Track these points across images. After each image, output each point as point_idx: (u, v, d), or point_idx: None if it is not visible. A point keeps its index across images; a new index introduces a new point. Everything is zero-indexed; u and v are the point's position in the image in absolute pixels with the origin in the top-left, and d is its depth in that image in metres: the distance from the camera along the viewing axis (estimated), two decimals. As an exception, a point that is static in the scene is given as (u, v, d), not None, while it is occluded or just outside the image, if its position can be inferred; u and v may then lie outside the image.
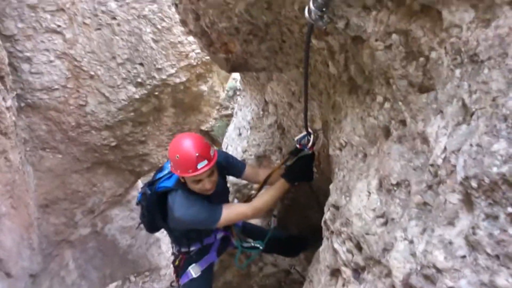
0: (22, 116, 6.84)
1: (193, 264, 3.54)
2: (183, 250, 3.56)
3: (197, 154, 2.84)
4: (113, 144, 7.73)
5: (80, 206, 8.29)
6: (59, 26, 6.67)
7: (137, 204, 3.49)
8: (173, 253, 3.81)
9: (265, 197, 3.26)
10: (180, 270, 3.63)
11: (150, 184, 3.35)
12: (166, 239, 11.70)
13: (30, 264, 6.81)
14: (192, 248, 3.54)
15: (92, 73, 6.98)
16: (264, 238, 3.73)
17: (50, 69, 6.79)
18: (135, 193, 9.74)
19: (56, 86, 6.88)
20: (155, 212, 3.27)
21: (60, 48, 6.77)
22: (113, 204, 9.15)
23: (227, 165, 3.44)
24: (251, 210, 3.20)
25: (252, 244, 3.77)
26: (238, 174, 3.57)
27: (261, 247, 3.72)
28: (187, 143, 2.92)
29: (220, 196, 3.37)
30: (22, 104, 6.78)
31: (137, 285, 10.40)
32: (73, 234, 8.51)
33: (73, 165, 7.75)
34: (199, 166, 2.85)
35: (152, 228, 3.57)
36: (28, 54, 6.58)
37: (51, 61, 6.78)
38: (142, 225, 3.57)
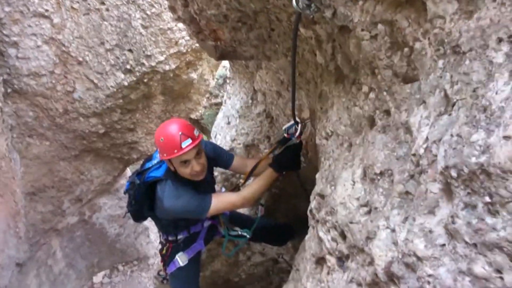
0: (8, 102, 6.75)
1: (181, 253, 3.55)
2: (170, 238, 3.57)
3: (180, 133, 2.89)
4: (102, 131, 7.68)
5: (68, 194, 8.25)
6: (46, 10, 6.57)
7: (125, 193, 3.48)
8: (160, 242, 3.81)
9: (253, 187, 3.28)
10: (167, 258, 3.64)
11: (138, 174, 3.35)
12: (154, 228, 11.68)
13: (17, 253, 6.78)
14: (179, 237, 3.54)
15: (80, 59, 6.90)
16: (251, 226, 3.75)
17: (37, 54, 6.70)
18: (123, 182, 9.72)
19: (44, 72, 6.79)
20: (143, 201, 3.27)
21: (48, 33, 6.67)
22: (101, 192, 9.12)
23: (215, 156, 3.45)
24: (240, 199, 3.22)
25: (239, 233, 3.79)
26: (226, 166, 3.59)
27: (248, 236, 3.74)
28: (170, 125, 2.99)
29: (207, 186, 3.39)
30: (9, 90, 6.70)
31: (125, 274, 10.42)
32: (60, 223, 8.48)
33: (61, 152, 7.69)
34: (183, 145, 2.88)
35: (139, 217, 3.56)
36: (15, 38, 6.48)
37: (38, 46, 6.69)
38: (129, 214, 3.57)
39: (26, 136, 7.24)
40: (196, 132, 3.01)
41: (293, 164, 3.28)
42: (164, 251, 3.67)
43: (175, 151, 2.88)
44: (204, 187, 3.25)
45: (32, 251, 7.77)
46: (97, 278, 10.06)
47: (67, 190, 8.19)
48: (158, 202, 3.12)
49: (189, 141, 2.91)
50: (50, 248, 8.46)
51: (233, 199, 3.25)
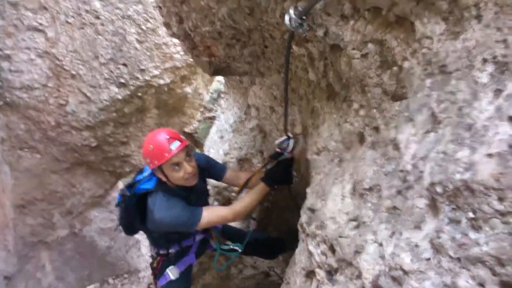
0: (0, 115, 6.74)
1: (171, 266, 3.52)
2: (161, 252, 3.55)
3: (167, 137, 2.94)
4: (94, 144, 7.65)
5: (58, 207, 8.17)
6: (41, 24, 6.60)
7: (116, 206, 3.47)
8: (151, 255, 3.79)
9: (245, 201, 3.27)
10: (158, 272, 3.62)
11: (129, 186, 3.34)
12: (146, 241, 11.58)
13: (5, 266, 6.70)
14: (170, 250, 3.52)
15: (74, 72, 6.91)
16: (243, 240, 3.75)
17: (30, 68, 6.70)
18: (115, 194, 9.64)
19: (37, 85, 6.79)
20: (134, 214, 3.26)
21: (42, 46, 6.69)
22: (92, 205, 9.05)
23: (208, 167, 3.45)
24: (231, 213, 3.21)
25: (231, 247, 3.78)
26: (218, 177, 3.59)
27: (240, 250, 3.73)
28: (157, 133, 3.03)
29: (200, 198, 3.37)
30: (1, 103, 6.68)
31: (115, 288, 10.30)
32: (50, 236, 8.39)
33: (52, 165, 7.65)
34: (172, 147, 2.91)
35: (130, 230, 3.56)
36: (8, 52, 6.49)
37: (32, 60, 6.70)
38: (120, 227, 3.55)
39: (17, 149, 7.20)
40: (182, 137, 3.06)
41: (285, 179, 3.29)
42: (155, 265, 3.64)
43: (166, 154, 2.89)
44: (196, 197, 3.24)
45: (20, 264, 7.67)
46: (87, 292, 9.94)
47: (58, 203, 8.12)
48: (149, 214, 3.10)
49: (177, 143, 2.95)
50: (39, 261, 8.34)
51: (224, 212, 3.24)
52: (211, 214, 3.17)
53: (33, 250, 8.09)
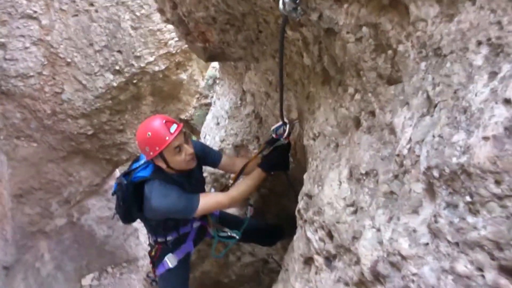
0: (-5, 104, 6.72)
1: (170, 254, 3.54)
2: (159, 240, 3.55)
3: (164, 121, 2.93)
4: (90, 132, 7.64)
5: (56, 196, 8.19)
6: (35, 12, 6.55)
7: (113, 194, 3.46)
8: (149, 244, 3.80)
9: (242, 187, 3.28)
10: (156, 260, 3.63)
11: (126, 174, 3.33)
12: (144, 229, 11.62)
13: (4, 256, 6.72)
14: (168, 238, 3.51)
15: (69, 60, 6.87)
16: (241, 227, 3.76)
17: (25, 56, 6.66)
18: (112, 183, 9.64)
19: (32, 73, 6.76)
20: (131, 202, 3.25)
21: (36, 34, 6.65)
22: (89, 194, 9.07)
23: (203, 155, 3.44)
24: (228, 199, 3.21)
25: (229, 234, 3.79)
26: (214, 164, 3.59)
27: (237, 237, 3.74)
28: (152, 120, 3.01)
29: (197, 185, 3.36)
30: (-4, 92, 6.66)
31: (114, 276, 10.34)
32: (48, 225, 8.41)
33: (49, 154, 7.65)
34: (172, 130, 2.90)
35: (127, 218, 3.54)
36: (2, 40, 6.45)
37: (26, 48, 6.66)
38: (117, 216, 3.55)
39: (14, 138, 7.18)
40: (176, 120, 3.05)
41: (281, 165, 3.29)
42: (153, 253, 3.65)
43: (167, 138, 2.87)
44: (193, 185, 3.24)
45: (19, 254, 7.69)
46: (86, 281, 9.97)
47: (55, 192, 8.14)
48: (146, 202, 3.09)
49: (175, 125, 2.93)
50: (37, 251, 8.38)
51: (221, 198, 3.24)
52: (208, 200, 3.16)
53: (31, 239, 8.12)
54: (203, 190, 3.60)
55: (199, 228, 3.65)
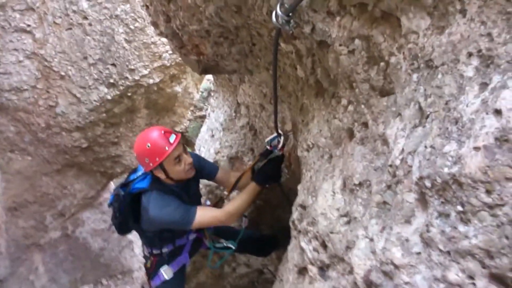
0: (-11, 117, 6.70)
1: (165, 266, 3.50)
2: (154, 251, 3.52)
3: (163, 131, 2.93)
4: (84, 145, 7.62)
5: (50, 209, 8.14)
6: (28, 25, 6.56)
7: (109, 206, 3.45)
8: (144, 256, 3.78)
9: (237, 202, 3.25)
10: (151, 272, 3.61)
11: (123, 186, 3.33)
12: (139, 241, 11.57)
13: (-2, 269, 6.66)
14: (164, 250, 3.49)
15: (63, 73, 6.87)
16: (236, 237, 3.74)
17: (19, 69, 6.66)
18: (107, 195, 9.60)
19: (26, 87, 6.75)
20: (127, 213, 3.25)
21: (30, 48, 6.65)
22: (84, 206, 9.01)
23: (200, 168, 3.42)
24: (225, 215, 3.18)
25: (225, 245, 3.77)
26: (210, 176, 3.58)
27: (233, 247, 3.73)
28: (150, 131, 3.01)
29: (193, 197, 3.36)
30: (-10, 105, 6.65)
31: (109, 289, 10.26)
32: (43, 238, 8.35)
33: (43, 167, 7.61)
34: (171, 140, 2.91)
35: (123, 229, 3.55)
36: (-4, 53, 6.45)
37: (20, 61, 6.65)
38: (114, 227, 3.54)
39: (8, 151, 7.15)
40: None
41: (275, 177, 3.28)
42: (148, 265, 3.62)
43: (166, 148, 2.87)
44: (190, 196, 3.23)
45: (13, 267, 7.63)
46: (81, 293, 9.91)
47: (50, 205, 8.09)
48: (143, 212, 3.09)
49: (174, 136, 2.94)
50: (32, 264, 8.30)
51: (218, 214, 3.22)
52: (205, 214, 3.15)
53: (26, 252, 8.06)
54: (199, 203, 3.57)
55: (194, 240, 3.64)
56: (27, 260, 8.16)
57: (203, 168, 3.49)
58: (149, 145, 2.90)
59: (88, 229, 9.37)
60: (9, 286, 7.49)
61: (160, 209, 3.00)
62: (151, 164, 2.94)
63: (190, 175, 3.10)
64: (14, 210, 7.55)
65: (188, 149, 3.45)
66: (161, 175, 3.03)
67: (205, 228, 3.62)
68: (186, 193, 3.19)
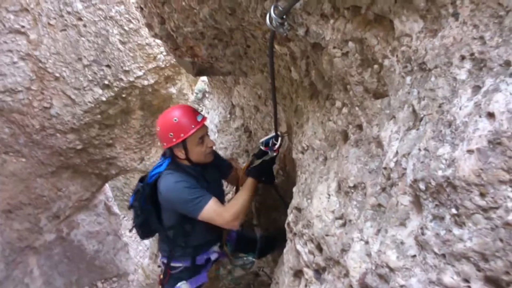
0: (-17, 119, 6.66)
1: (183, 282, 3.38)
2: (172, 264, 3.39)
3: (192, 109, 2.94)
4: (79, 147, 7.59)
5: (45, 211, 8.10)
6: (23, 26, 6.52)
7: (130, 208, 3.34)
8: (159, 265, 3.66)
9: (239, 201, 3.07)
10: (166, 284, 3.47)
11: (141, 180, 3.27)
12: (134, 244, 11.57)
13: (-7, 272, 6.63)
14: (182, 264, 3.37)
15: (57, 74, 6.84)
16: (255, 248, 3.68)
17: (13, 71, 6.62)
18: (102, 198, 9.59)
19: (20, 88, 6.72)
20: (149, 209, 3.17)
21: (24, 49, 6.62)
22: (79, 209, 8.98)
23: (218, 162, 3.37)
24: (231, 216, 2.96)
25: (245, 260, 3.70)
26: (224, 175, 3.54)
27: (255, 260, 3.67)
28: (179, 107, 3.01)
29: (214, 186, 3.25)
30: (-16, 107, 6.61)
31: (104, 291, 10.24)
32: (37, 240, 8.31)
33: (38, 169, 7.58)
34: (198, 119, 2.89)
35: (145, 232, 3.44)
36: (-11, 55, 6.42)
37: (14, 63, 6.62)
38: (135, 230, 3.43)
39: (2, 153, 7.12)
40: None
41: (268, 178, 3.23)
42: (161, 276, 3.51)
43: (193, 126, 2.85)
44: (211, 184, 3.16)
45: (8, 270, 7.60)
46: (76, 296, 9.87)
47: (44, 207, 8.05)
48: (160, 197, 3.01)
49: (201, 116, 2.93)
50: (27, 266, 8.27)
51: (227, 215, 2.97)
52: (215, 209, 2.95)
53: (20, 255, 8.02)
54: (220, 194, 3.40)
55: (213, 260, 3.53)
56: (22, 263, 8.12)
57: (221, 164, 3.46)
58: (177, 119, 2.87)
59: (83, 232, 9.34)
60: (4, 289, 7.47)
61: (174, 184, 2.92)
62: (174, 140, 2.89)
63: (209, 159, 3.07)
64: (9, 212, 7.52)
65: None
66: (181, 154, 2.99)
67: (226, 246, 3.50)
68: (204, 178, 3.11)
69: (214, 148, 3.30)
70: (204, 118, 2.93)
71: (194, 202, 2.90)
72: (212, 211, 2.91)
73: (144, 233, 3.49)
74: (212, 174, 3.27)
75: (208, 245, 3.42)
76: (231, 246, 3.60)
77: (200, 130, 2.89)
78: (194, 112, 2.93)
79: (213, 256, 3.49)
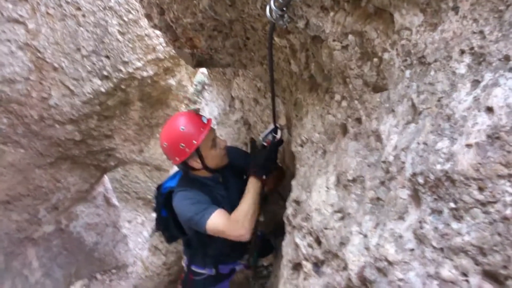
0: (-19, 109, 6.65)
1: None
2: (193, 268, 3.34)
3: (194, 112, 2.80)
4: (78, 138, 7.57)
5: (44, 202, 8.11)
6: (21, 16, 6.49)
7: (155, 210, 3.30)
8: (183, 266, 3.61)
9: (243, 209, 2.76)
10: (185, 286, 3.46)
11: (158, 187, 3.23)
12: (133, 236, 11.61)
13: (-9, 263, 6.65)
14: (204, 271, 3.33)
15: (56, 65, 6.81)
16: (268, 248, 3.64)
17: (12, 61, 6.59)
18: (101, 189, 9.60)
19: (18, 78, 6.69)
20: (166, 217, 3.12)
21: (23, 38, 6.58)
22: (78, 200, 8.99)
23: (244, 163, 3.05)
24: (240, 227, 2.70)
25: (264, 264, 3.65)
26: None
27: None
28: (177, 116, 2.83)
29: (234, 194, 2.97)
30: (-18, 97, 6.59)
31: (103, 283, 10.25)
32: (36, 232, 8.33)
33: (36, 160, 7.57)
34: (204, 121, 2.73)
35: (169, 236, 3.38)
36: (-12, 45, 6.39)
37: (12, 52, 6.59)
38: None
39: (0, 144, 7.11)
40: None
41: (271, 164, 2.94)
42: (183, 277, 3.48)
43: (202, 129, 2.67)
44: (230, 193, 2.96)
45: (7, 261, 7.62)
46: (75, 288, 9.91)
47: (43, 198, 8.06)
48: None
49: (205, 117, 2.78)
50: (25, 258, 8.29)
51: (233, 227, 2.70)
52: (219, 222, 2.70)
53: (19, 247, 8.04)
54: (238, 195, 3.09)
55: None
56: (21, 255, 8.14)
57: (240, 161, 3.14)
58: (184, 127, 2.66)
59: (82, 223, 9.36)
60: (3, 281, 7.48)
61: (180, 202, 2.79)
62: (187, 150, 2.67)
63: (226, 161, 2.89)
64: (7, 203, 7.52)
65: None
66: (197, 164, 2.80)
67: (251, 259, 3.33)
68: (224, 187, 2.94)
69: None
70: (209, 120, 2.77)
71: (198, 216, 2.72)
72: (217, 224, 2.69)
73: (168, 238, 3.41)
74: (231, 178, 3.05)
75: (231, 258, 3.34)
76: (255, 258, 3.39)
77: (210, 132, 2.72)
78: (198, 115, 2.76)
79: (239, 267, 3.46)
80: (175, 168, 3.50)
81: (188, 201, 2.75)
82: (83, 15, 6.74)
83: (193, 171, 2.90)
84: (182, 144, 2.66)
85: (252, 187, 2.80)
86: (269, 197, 3.35)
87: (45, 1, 6.55)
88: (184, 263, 3.55)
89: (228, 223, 2.69)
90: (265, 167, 2.88)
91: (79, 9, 6.70)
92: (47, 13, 6.60)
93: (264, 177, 2.85)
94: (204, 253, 3.22)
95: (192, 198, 2.76)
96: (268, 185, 3.00)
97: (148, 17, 3.15)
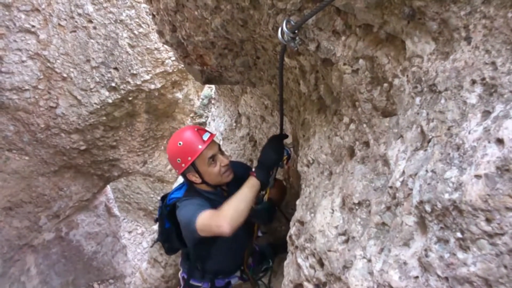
0: (-11, 116, 6.70)
1: None
2: (191, 282, 3.33)
3: (196, 129, 2.78)
4: (83, 148, 7.61)
5: (45, 210, 8.12)
6: (33, 26, 6.58)
7: (156, 221, 3.31)
8: (180, 279, 3.58)
9: (232, 204, 2.64)
10: None
11: (163, 198, 3.22)
12: (132, 247, 11.57)
13: (-11, 269, 6.64)
14: (199, 284, 3.33)
15: (65, 75, 6.88)
16: (268, 255, 3.61)
17: (21, 69, 6.67)
18: (102, 199, 9.60)
19: (27, 87, 6.76)
20: (169, 228, 3.11)
21: (33, 48, 6.66)
22: (79, 209, 8.99)
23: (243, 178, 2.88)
24: (226, 221, 2.54)
25: (262, 270, 3.63)
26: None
27: (271, 265, 3.58)
28: (183, 130, 2.85)
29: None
30: (-10, 104, 6.65)
31: (101, 293, 10.21)
32: (36, 239, 8.32)
33: (40, 167, 7.60)
34: (204, 138, 2.72)
35: (170, 248, 3.39)
36: (-1, 53, 6.47)
37: (23, 61, 6.66)
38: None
39: (5, 150, 7.15)
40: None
41: (277, 157, 2.79)
42: None
43: (199, 146, 2.68)
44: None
45: (5, 267, 7.60)
46: (72, 297, 9.85)
47: (45, 206, 8.07)
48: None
49: (208, 134, 2.76)
50: (24, 265, 8.27)
51: (218, 221, 2.57)
52: (206, 219, 2.63)
53: (18, 253, 8.03)
54: (251, 225, 3.12)
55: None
56: (20, 261, 8.13)
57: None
58: (181, 143, 2.73)
59: (82, 232, 9.35)
60: (0, 287, 7.45)
61: (184, 207, 2.77)
62: (183, 165, 2.74)
63: (228, 179, 2.85)
64: (9, 209, 7.54)
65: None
66: (195, 179, 2.83)
67: (248, 270, 3.36)
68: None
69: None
70: (211, 135, 2.76)
71: (190, 220, 2.67)
72: (204, 218, 2.63)
73: (168, 249, 3.42)
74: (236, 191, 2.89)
75: (227, 273, 3.35)
76: (253, 269, 3.44)
77: (208, 149, 2.71)
78: (200, 131, 2.76)
79: (234, 280, 3.44)
80: (179, 180, 3.49)
81: (191, 206, 2.76)
82: (94, 27, 6.83)
83: (195, 184, 2.93)
84: (179, 159, 2.75)
85: (247, 185, 2.70)
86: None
87: (58, 13, 6.64)
88: (180, 274, 3.54)
89: (213, 216, 2.62)
90: (269, 167, 2.79)
91: (90, 21, 6.79)
92: (59, 24, 6.69)
93: (261, 179, 2.73)
94: (202, 267, 3.22)
95: (195, 204, 2.77)
96: (271, 193, 2.96)
97: (160, 33, 3.19)
